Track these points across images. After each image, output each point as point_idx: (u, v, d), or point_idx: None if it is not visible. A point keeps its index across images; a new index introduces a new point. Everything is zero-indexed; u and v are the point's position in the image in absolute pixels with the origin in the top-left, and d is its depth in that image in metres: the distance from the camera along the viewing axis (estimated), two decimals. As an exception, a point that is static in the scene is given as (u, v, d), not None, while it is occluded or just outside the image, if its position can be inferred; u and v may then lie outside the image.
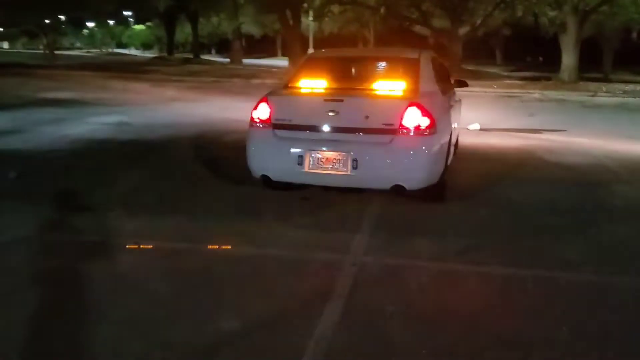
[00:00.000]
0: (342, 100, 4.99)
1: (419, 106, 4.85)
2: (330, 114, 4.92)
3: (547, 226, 5.06)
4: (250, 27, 56.46)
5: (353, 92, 5.32)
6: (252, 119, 5.25)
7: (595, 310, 3.48)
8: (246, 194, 5.81)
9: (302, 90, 5.52)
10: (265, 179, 5.19)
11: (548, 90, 21.64)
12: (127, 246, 4.36)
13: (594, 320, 3.35)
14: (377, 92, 5.29)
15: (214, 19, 52.33)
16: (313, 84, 5.58)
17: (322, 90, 5.46)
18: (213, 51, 78.16)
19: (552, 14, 30.47)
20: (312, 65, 6.09)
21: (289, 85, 5.68)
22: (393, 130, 4.83)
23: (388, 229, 4.89)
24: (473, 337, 3.14)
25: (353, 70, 5.81)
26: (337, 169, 4.88)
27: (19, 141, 8.77)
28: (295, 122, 5.06)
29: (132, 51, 78.28)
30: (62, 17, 55.52)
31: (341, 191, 5.57)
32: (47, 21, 47.54)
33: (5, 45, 77.19)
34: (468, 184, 6.49)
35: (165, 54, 48.34)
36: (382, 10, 34.61)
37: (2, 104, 13.50)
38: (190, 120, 11.57)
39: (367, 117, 4.88)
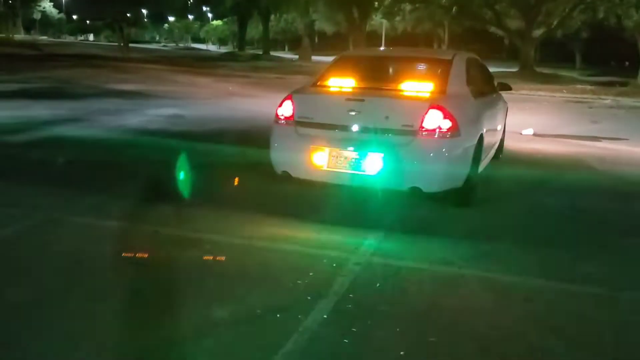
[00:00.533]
0: (363, 100, 5.00)
1: (441, 108, 4.79)
2: (351, 113, 4.94)
3: (571, 237, 4.90)
4: (322, 24, 56.90)
5: (375, 92, 5.30)
6: (276, 115, 5.33)
7: (589, 323, 3.37)
8: (266, 190, 5.90)
9: (327, 89, 5.55)
10: (286, 175, 5.25)
11: (622, 97, 20.70)
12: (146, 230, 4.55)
13: (587, 333, 3.24)
14: (399, 93, 5.26)
15: (286, 16, 53.12)
16: (340, 83, 5.60)
17: (346, 90, 5.47)
18: (286, 48, 79.19)
19: (636, 16, 29.13)
20: (343, 64, 6.11)
21: (317, 83, 5.73)
22: (413, 131, 4.80)
23: (405, 230, 4.87)
24: (455, 343, 3.10)
25: (383, 70, 5.79)
26: (354, 169, 4.89)
27: (75, 129, 9.25)
28: (316, 120, 5.11)
29: (209, 46, 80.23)
30: (145, 12, 57.93)
31: (368, 191, 5.58)
32: (128, 15, 49.83)
33: (91, 37, 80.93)
34: (503, 190, 6.37)
35: (236, 50, 49.41)
36: (454, 9, 34.08)
37: (72, 94, 14.26)
38: (242, 115, 11.83)
39: (387, 118, 4.86)
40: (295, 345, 3.00)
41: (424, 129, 4.78)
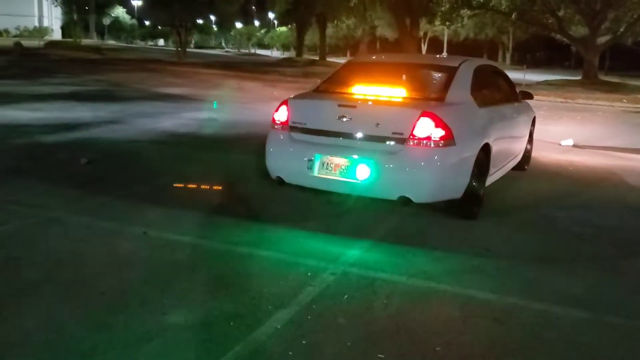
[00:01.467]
0: (355, 107, 4.91)
1: (433, 116, 4.64)
2: (343, 119, 4.86)
3: (571, 256, 4.65)
4: (385, 30, 56.70)
5: (368, 98, 5.20)
6: (273, 120, 5.31)
7: (552, 347, 3.17)
8: (262, 195, 5.90)
9: (324, 95, 5.48)
10: (280, 180, 5.22)
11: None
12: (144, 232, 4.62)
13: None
14: (392, 100, 5.13)
15: (348, 22, 53.19)
16: (340, 89, 5.53)
17: (342, 95, 5.38)
18: (348, 53, 79.27)
19: None
20: (348, 70, 6.04)
21: (319, 88, 5.68)
22: (403, 139, 4.67)
23: (396, 241, 4.74)
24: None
25: (386, 76, 5.65)
26: (345, 176, 4.81)
27: (108, 131, 9.52)
28: (309, 125, 5.06)
29: (274, 52, 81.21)
30: (213, 18, 59.37)
31: (372, 199, 5.48)
32: (199, 21, 51.28)
33: (161, 42, 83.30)
34: (516, 203, 6.12)
35: (294, 56, 49.85)
36: (514, 16, 33.18)
37: (119, 97, 14.72)
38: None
39: (378, 125, 4.75)
40: (235, 356, 2.95)
41: (414, 137, 4.65)
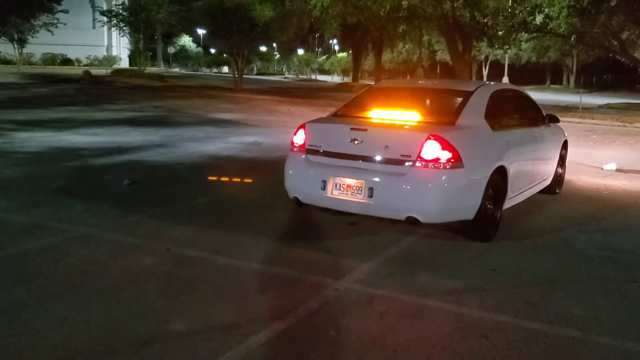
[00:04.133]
0: (365, 130, 5.11)
1: (440, 139, 4.79)
2: (355, 142, 5.07)
3: (579, 278, 4.66)
4: (445, 54, 56.60)
5: (379, 122, 5.39)
6: (291, 143, 5.58)
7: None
8: (290, 215, 6.13)
9: (340, 119, 5.72)
10: (297, 200, 5.46)
11: None
12: (167, 248, 4.96)
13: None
14: (402, 123, 5.30)
15: (405, 47, 53.54)
16: (357, 113, 5.76)
17: (356, 120, 5.60)
18: (408, 77, 79.29)
19: None
20: (368, 95, 6.26)
21: (337, 113, 5.92)
22: (410, 161, 4.84)
23: (405, 261, 4.89)
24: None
25: (403, 101, 5.83)
26: (355, 196, 5.00)
27: (156, 154, 10.04)
28: (324, 148, 5.30)
29: (334, 78, 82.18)
30: (275, 45, 61.03)
31: (393, 220, 5.63)
32: (263, 48, 52.79)
33: (225, 69, 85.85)
34: (538, 225, 6.14)
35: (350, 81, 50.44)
36: (573, 38, 32.58)
37: (173, 122, 15.40)
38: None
39: (387, 147, 4.94)
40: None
41: (421, 159, 4.81)
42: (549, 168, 7.10)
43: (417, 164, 4.82)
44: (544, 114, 6.99)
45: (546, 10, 27.99)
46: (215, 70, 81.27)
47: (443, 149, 4.78)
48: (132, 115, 16.88)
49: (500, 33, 31.77)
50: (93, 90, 26.94)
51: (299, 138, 5.50)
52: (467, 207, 5.05)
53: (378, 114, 5.58)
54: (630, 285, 4.53)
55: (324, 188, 5.15)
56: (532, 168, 6.41)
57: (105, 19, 40.80)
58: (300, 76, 79.66)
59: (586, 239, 5.69)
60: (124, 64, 53.71)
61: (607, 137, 15.74)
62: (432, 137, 4.80)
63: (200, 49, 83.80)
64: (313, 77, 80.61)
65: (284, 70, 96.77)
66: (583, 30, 31.93)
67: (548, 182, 7.15)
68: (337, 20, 27.60)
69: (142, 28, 39.48)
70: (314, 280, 4.38)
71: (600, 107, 28.72)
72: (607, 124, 20.25)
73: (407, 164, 4.86)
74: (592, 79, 65.64)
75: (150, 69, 48.03)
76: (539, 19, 29.13)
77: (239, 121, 16.23)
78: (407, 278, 4.50)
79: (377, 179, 4.93)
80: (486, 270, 4.72)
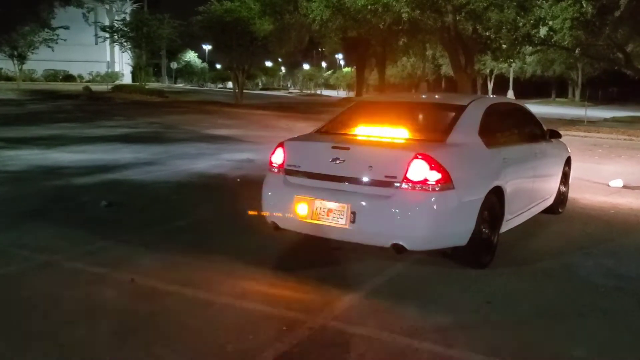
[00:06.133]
0: (348, 149, 4.68)
1: (428, 158, 4.36)
2: (336, 162, 4.64)
3: (581, 311, 4.20)
4: (449, 68, 56.28)
5: (363, 140, 4.96)
6: (270, 162, 5.16)
7: None
8: (274, 240, 5.64)
9: (321, 136, 5.29)
10: (275, 225, 5.02)
11: None
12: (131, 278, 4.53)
13: None
14: (387, 141, 4.87)
15: (409, 61, 53.35)
16: (343, 130, 5.34)
17: (339, 137, 5.18)
18: (413, 91, 79.11)
19: None
20: (355, 110, 5.85)
21: (322, 129, 5.50)
22: (396, 183, 4.40)
23: (391, 292, 4.45)
24: None
25: (391, 117, 5.39)
26: (336, 221, 4.56)
27: (143, 172, 9.64)
28: (303, 168, 4.87)
29: (340, 92, 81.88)
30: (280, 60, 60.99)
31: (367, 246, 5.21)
32: (269, 64, 52.48)
33: (230, 84, 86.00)
34: (539, 249, 5.69)
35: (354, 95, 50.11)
36: (577, 51, 32.17)
37: (167, 139, 15.02)
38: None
39: (370, 168, 4.51)
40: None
41: (408, 181, 4.37)
42: (551, 186, 6.65)
43: (403, 185, 4.38)
44: (545, 129, 6.56)
45: (550, 22, 27.65)
46: (220, 85, 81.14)
47: (431, 169, 4.34)
48: (126, 131, 16.53)
49: (504, 46, 31.48)
50: (91, 106, 26.67)
51: (278, 157, 5.08)
52: (459, 232, 4.60)
53: (364, 131, 5.15)
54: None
55: (303, 212, 4.71)
56: (532, 187, 5.96)
57: (106, 34, 40.71)
58: (305, 91, 79.46)
59: (591, 264, 5.23)
60: (127, 79, 53.60)
61: (613, 151, 15.26)
62: (419, 156, 4.37)
63: (205, 65, 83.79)
64: (318, 92, 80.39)
65: (289, 86, 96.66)
66: (587, 43, 31.60)
67: (550, 201, 6.70)
68: (337, 34, 27.30)
69: (143, 44, 39.33)
70: (288, 317, 3.94)
71: (606, 120, 28.24)
72: (613, 138, 19.75)
73: (392, 185, 4.42)
74: (598, 92, 65.10)
75: (153, 85, 47.88)
76: (542, 31, 28.77)
77: (235, 137, 15.84)
78: (391, 313, 4.06)
79: (360, 203, 4.49)
80: (480, 302, 4.27)
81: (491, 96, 5.46)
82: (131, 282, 4.53)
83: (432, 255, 5.15)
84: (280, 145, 5.12)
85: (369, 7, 21.30)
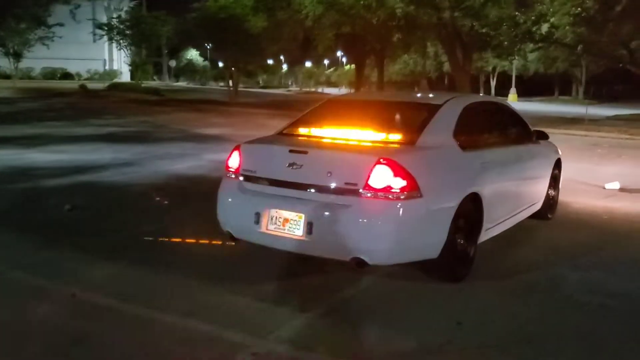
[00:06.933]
0: (306, 152, 4.27)
1: (392, 163, 3.94)
2: (293, 167, 4.23)
3: (562, 336, 3.79)
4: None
5: (323, 143, 4.55)
6: (226, 167, 4.75)
7: None
8: (237, 249, 5.19)
9: (282, 138, 4.87)
10: (230, 235, 4.61)
11: None
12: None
13: None
14: (349, 145, 4.46)
15: (413, 58, 52.90)
16: (305, 131, 4.92)
17: (298, 139, 4.76)
18: (416, 88, 78.63)
19: None
20: (323, 109, 5.43)
21: (284, 131, 5.09)
22: (356, 191, 3.99)
23: (353, 310, 4.06)
24: None
25: (360, 117, 4.97)
26: (292, 232, 4.15)
27: (119, 173, 9.27)
28: (259, 174, 4.46)
29: (342, 90, 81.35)
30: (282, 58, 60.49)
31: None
32: (270, 61, 52.01)
33: (231, 83, 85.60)
34: (523, 260, 5.27)
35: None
36: (579, 47, 31.65)
37: (153, 138, 14.64)
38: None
39: (329, 174, 4.09)
40: None
41: (369, 188, 3.95)
42: (539, 191, 6.23)
43: (365, 193, 3.96)
44: (531, 130, 6.13)
45: (551, 19, 27.17)
46: (222, 83, 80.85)
47: (395, 175, 3.93)
48: (114, 130, 16.14)
49: (505, 43, 30.99)
50: (84, 104, 26.29)
51: (234, 161, 4.67)
52: (429, 244, 4.19)
53: (328, 133, 4.74)
54: (624, 346, 3.64)
55: (257, 222, 4.30)
56: (516, 192, 5.55)
57: (102, 32, 40.26)
58: (304, 89, 78.93)
59: (577, 277, 4.82)
60: (126, 77, 53.12)
61: (613, 151, 14.79)
62: (382, 161, 3.95)
63: (207, 63, 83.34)
64: (320, 90, 79.83)
65: (290, 84, 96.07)
66: (590, 40, 31.09)
67: (538, 206, 6.28)
68: (330, 30, 26.84)
69: (139, 41, 38.89)
70: (233, 340, 3.55)
71: (608, 118, 27.69)
72: (614, 137, 19.26)
73: (353, 193, 4.00)
74: (602, 90, 64.40)
75: (150, 83, 47.40)
76: (544, 28, 28.29)
77: (223, 137, 15.42)
78: (349, 334, 3.67)
79: (317, 212, 4.07)
80: (450, 322, 3.86)
81: (470, 95, 5.05)
82: (72, 297, 4.15)
83: (404, 268, 4.71)
84: (237, 148, 4.71)
85: (362, 2, 20.86)
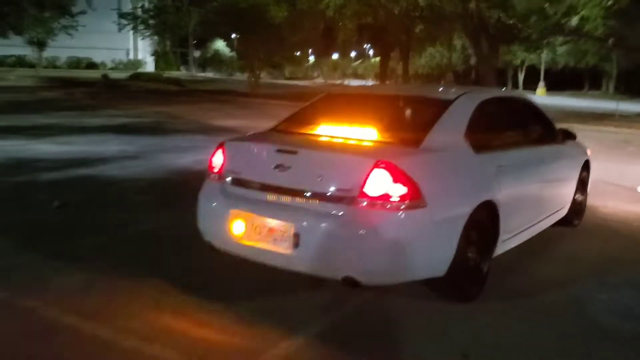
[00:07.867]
0: (295, 153, 3.75)
1: (391, 167, 3.41)
2: (280, 169, 3.72)
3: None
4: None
5: (314, 142, 4.02)
6: (209, 167, 4.27)
7: None
8: (218, 261, 4.70)
9: (272, 136, 4.36)
10: (211, 245, 4.11)
11: None
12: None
13: None
14: (344, 145, 3.92)
15: (439, 51, 52.02)
16: (301, 129, 4.41)
17: (289, 137, 4.25)
18: (442, 82, 77.57)
19: None
20: (321, 104, 4.91)
21: (277, 127, 4.58)
22: (350, 198, 3.46)
23: (343, 335, 3.55)
24: None
25: (361, 113, 4.44)
26: (278, 245, 3.64)
27: (121, 167, 8.88)
28: (243, 176, 3.95)
29: (369, 82, 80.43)
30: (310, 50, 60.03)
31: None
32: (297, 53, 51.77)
33: (263, 74, 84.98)
34: (544, 276, 4.71)
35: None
36: (610, 41, 30.53)
37: (164, 130, 14.25)
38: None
39: (320, 178, 3.57)
40: None
41: (365, 196, 3.43)
42: (564, 195, 5.64)
43: (360, 202, 3.44)
44: (556, 129, 5.53)
45: (582, 12, 26.18)
46: (248, 74, 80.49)
47: (395, 181, 3.39)
48: (126, 121, 15.78)
49: (534, 36, 30.04)
50: (102, 94, 26.06)
51: (217, 161, 4.18)
52: (434, 260, 3.65)
53: (323, 130, 4.21)
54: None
55: (240, 231, 3.80)
56: (538, 198, 4.97)
57: (125, 21, 40.13)
58: (329, 81, 78.22)
59: (605, 298, 4.24)
60: (150, 67, 53.02)
61: (646, 150, 14.01)
62: (381, 165, 3.42)
63: (233, 54, 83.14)
64: (346, 82, 79.13)
65: (316, 75, 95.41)
66: (622, 33, 29.98)
67: (563, 212, 5.69)
68: (351, 20, 26.21)
69: (162, 31, 38.67)
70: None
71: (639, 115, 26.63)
72: (647, 134, 18.39)
73: (346, 201, 3.48)
74: (633, 85, 62.54)
75: (175, 73, 47.16)
76: (574, 20, 27.30)
77: (237, 129, 14.94)
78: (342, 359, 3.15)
79: (304, 223, 3.55)
80: (454, 354, 3.33)
81: (487, 89, 4.50)
82: (31, 312, 3.71)
83: (407, 285, 4.17)
84: (221, 145, 4.21)
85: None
